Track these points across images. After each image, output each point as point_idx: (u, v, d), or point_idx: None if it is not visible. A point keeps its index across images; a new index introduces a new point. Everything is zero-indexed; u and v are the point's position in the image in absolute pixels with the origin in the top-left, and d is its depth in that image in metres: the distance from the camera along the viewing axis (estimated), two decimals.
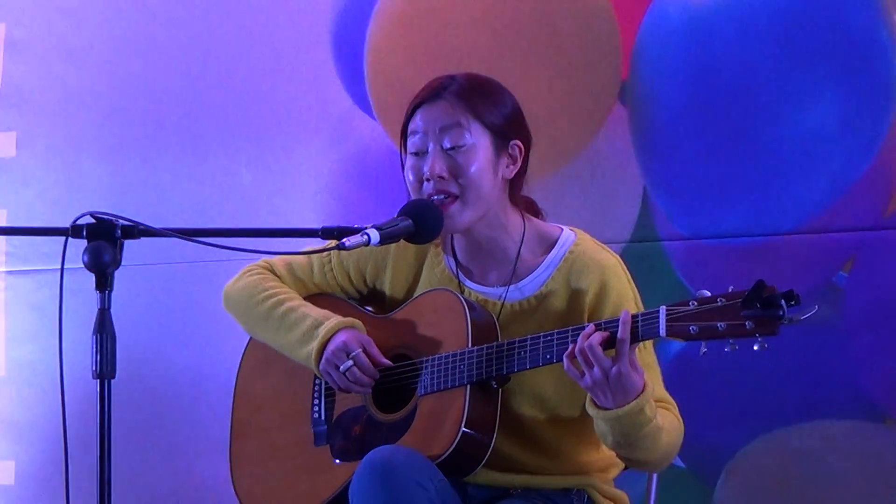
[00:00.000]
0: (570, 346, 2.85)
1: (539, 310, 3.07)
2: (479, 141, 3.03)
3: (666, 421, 2.96)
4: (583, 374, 2.85)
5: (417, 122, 3.06)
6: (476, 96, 3.05)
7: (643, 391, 2.86)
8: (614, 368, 2.81)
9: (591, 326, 2.85)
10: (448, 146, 3.02)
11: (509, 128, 3.07)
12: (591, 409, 2.91)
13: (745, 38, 4.12)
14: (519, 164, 3.09)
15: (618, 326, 2.82)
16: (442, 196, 3.02)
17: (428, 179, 3.02)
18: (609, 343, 2.83)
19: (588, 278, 3.05)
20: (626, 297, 3.05)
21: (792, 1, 4.08)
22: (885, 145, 3.98)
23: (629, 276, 3.10)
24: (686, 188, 4.22)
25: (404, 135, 3.10)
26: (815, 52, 4.05)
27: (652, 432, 2.91)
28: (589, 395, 2.90)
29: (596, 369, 2.82)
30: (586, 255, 3.08)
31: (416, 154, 3.06)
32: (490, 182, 3.04)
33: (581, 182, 4.29)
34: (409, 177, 3.07)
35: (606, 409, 2.87)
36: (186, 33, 4.94)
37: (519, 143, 3.08)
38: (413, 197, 3.06)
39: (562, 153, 4.22)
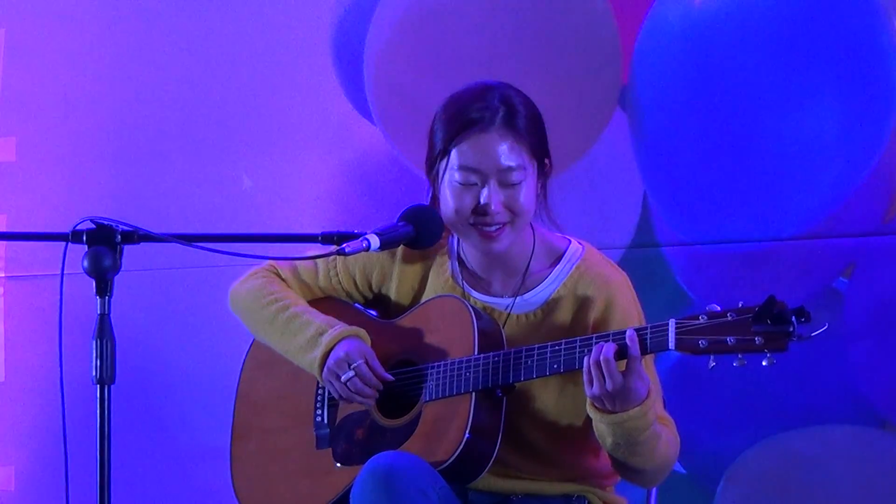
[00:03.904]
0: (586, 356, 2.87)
1: (545, 323, 3.07)
2: (530, 173, 3.03)
3: (664, 432, 2.98)
4: (591, 384, 2.85)
5: (474, 156, 3.00)
6: (523, 121, 3.02)
7: (646, 398, 2.87)
8: (625, 383, 2.83)
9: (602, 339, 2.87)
10: (510, 183, 3.00)
11: (545, 149, 3.08)
12: (591, 412, 2.92)
13: (746, 43, 4.13)
14: (547, 179, 3.10)
15: (625, 339, 2.83)
16: (493, 228, 3.01)
17: (484, 213, 3.00)
18: (619, 355, 2.85)
19: (594, 294, 3.05)
20: (630, 316, 3.06)
21: (792, 6, 4.09)
22: (886, 151, 3.98)
23: (635, 295, 3.11)
24: (686, 193, 4.22)
25: (446, 151, 3.02)
26: (815, 58, 4.05)
27: (651, 438, 2.92)
28: (590, 399, 2.91)
29: (608, 382, 2.83)
30: (593, 271, 3.08)
31: (464, 185, 3.02)
32: (534, 207, 3.06)
33: (581, 187, 4.29)
34: (453, 204, 3.02)
35: (608, 412, 2.89)
36: (187, 38, 4.94)
37: (548, 159, 3.09)
38: (455, 222, 3.03)
39: (562, 158, 4.19)
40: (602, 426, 2.92)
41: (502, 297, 3.12)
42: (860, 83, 4.01)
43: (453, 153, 3.02)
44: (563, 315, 3.06)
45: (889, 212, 4.00)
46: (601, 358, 2.84)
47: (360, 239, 2.83)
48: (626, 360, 2.86)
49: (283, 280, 3.27)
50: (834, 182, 4.03)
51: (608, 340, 2.87)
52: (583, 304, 3.06)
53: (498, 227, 3.01)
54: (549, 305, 3.08)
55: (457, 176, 3.02)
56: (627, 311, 3.06)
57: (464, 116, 3.03)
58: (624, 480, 3.14)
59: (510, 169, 3.00)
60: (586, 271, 3.08)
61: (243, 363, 3.34)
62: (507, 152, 3.00)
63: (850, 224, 4.02)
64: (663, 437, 2.97)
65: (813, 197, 4.06)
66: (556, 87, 4.32)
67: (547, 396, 3.04)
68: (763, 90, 4.11)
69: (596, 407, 2.90)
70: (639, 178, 4.28)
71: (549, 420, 3.06)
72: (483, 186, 3.00)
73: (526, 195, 3.02)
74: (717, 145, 4.17)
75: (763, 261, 4.10)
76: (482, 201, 3.00)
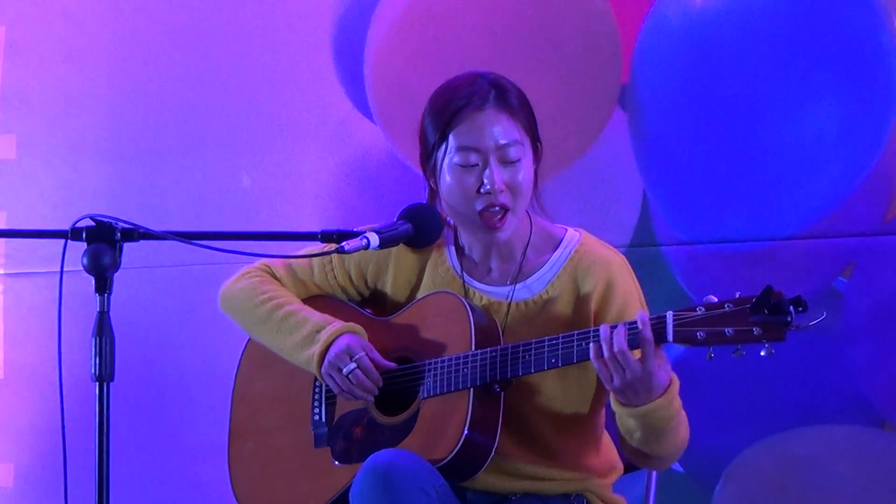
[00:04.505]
0: (595, 346, 2.85)
1: (545, 309, 3.08)
2: (527, 151, 3.06)
3: (683, 416, 2.98)
4: (611, 379, 2.85)
5: (472, 135, 3.03)
6: (515, 99, 3.06)
7: (670, 386, 2.87)
8: (643, 370, 2.82)
9: (606, 329, 2.84)
10: (510, 160, 3.03)
11: (536, 130, 3.10)
12: (617, 408, 2.91)
13: (746, 42, 4.13)
14: (540, 160, 3.12)
15: (637, 325, 2.82)
16: (497, 209, 3.03)
17: (488, 192, 3.02)
18: (631, 344, 2.84)
19: (594, 277, 3.06)
20: (631, 296, 3.07)
21: (792, 6, 4.09)
22: (886, 151, 3.98)
23: (633, 275, 3.12)
24: (686, 193, 4.22)
25: (443, 137, 3.05)
26: (815, 57, 4.05)
27: (676, 426, 2.93)
28: (614, 395, 2.90)
29: (627, 373, 2.83)
30: (591, 254, 3.09)
31: (467, 166, 3.04)
32: (532, 189, 3.07)
33: (581, 186, 4.29)
34: (457, 189, 3.04)
35: (634, 406, 2.88)
36: (186, 36, 4.94)
37: (540, 143, 3.11)
38: (459, 208, 3.05)
39: (562, 157, 4.22)
40: (631, 421, 2.91)
41: (501, 284, 3.13)
42: (860, 83, 4.01)
43: (451, 137, 3.04)
44: (564, 299, 3.07)
45: (889, 212, 4.00)
46: (615, 350, 2.82)
47: (360, 237, 2.83)
48: (639, 350, 2.84)
49: (276, 279, 3.27)
50: (833, 182, 4.03)
51: (601, 332, 2.86)
52: (583, 286, 3.07)
53: (501, 210, 3.03)
54: (549, 291, 3.09)
55: (457, 158, 3.04)
56: (628, 292, 3.07)
57: (457, 101, 3.06)
58: (638, 465, 3.14)
59: (508, 145, 3.03)
60: (585, 255, 3.09)
61: (239, 363, 3.34)
62: (503, 129, 3.03)
63: (849, 224, 4.02)
64: (684, 422, 2.98)
65: (812, 197, 4.06)
66: (556, 86, 4.32)
67: (548, 383, 3.04)
68: (763, 90, 4.11)
69: (621, 402, 2.89)
70: (638, 178, 4.28)
71: (551, 407, 3.06)
72: (484, 167, 3.02)
73: (525, 174, 3.05)
74: (716, 145, 4.17)
75: (763, 260, 4.10)
76: (485, 180, 3.01)
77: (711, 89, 4.18)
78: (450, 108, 3.05)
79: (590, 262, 3.08)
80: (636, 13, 4.25)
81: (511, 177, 3.03)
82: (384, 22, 4.63)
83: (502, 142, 3.03)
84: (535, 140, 3.09)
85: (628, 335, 2.82)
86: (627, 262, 3.13)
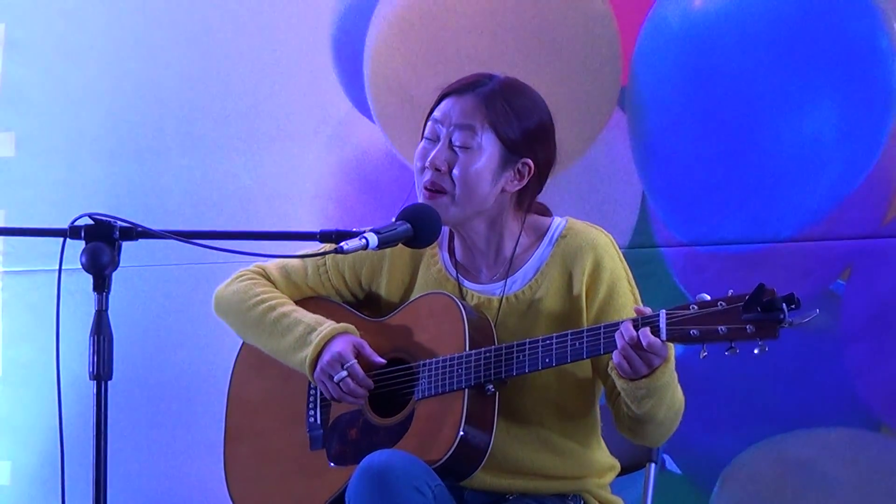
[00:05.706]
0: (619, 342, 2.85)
1: (537, 297, 3.08)
2: (486, 148, 3.05)
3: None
4: (632, 368, 2.85)
5: (440, 110, 3.09)
6: (503, 104, 3.06)
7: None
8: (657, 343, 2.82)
9: (630, 329, 2.84)
10: (456, 143, 3.05)
11: (525, 144, 3.08)
12: (625, 384, 2.90)
13: (745, 45, 4.13)
14: (525, 181, 3.09)
15: (658, 320, 2.82)
16: (429, 182, 3.06)
17: (428, 168, 3.04)
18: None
19: (582, 258, 3.07)
20: (619, 276, 3.08)
21: (792, 8, 4.09)
22: (884, 153, 3.98)
23: (621, 255, 3.13)
24: (685, 195, 4.22)
25: (427, 118, 3.12)
26: (814, 60, 4.06)
27: (676, 385, 2.96)
28: (622, 382, 2.90)
29: (656, 359, 2.84)
30: (579, 237, 3.10)
31: (429, 139, 3.09)
32: (486, 189, 3.05)
33: (580, 187, 4.29)
34: (416, 160, 3.10)
35: (644, 378, 2.87)
36: (186, 34, 4.94)
37: (530, 162, 3.08)
38: (415, 179, 3.08)
39: (561, 158, 4.22)
40: (642, 391, 2.90)
41: (492, 281, 3.13)
42: (859, 85, 4.01)
43: (432, 113, 3.10)
44: (555, 286, 3.08)
45: (887, 214, 4.00)
46: (644, 344, 2.81)
47: (359, 237, 2.83)
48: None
49: (270, 281, 3.27)
50: (832, 184, 4.03)
51: (598, 332, 2.88)
52: (572, 270, 3.07)
53: (434, 188, 3.04)
54: (539, 280, 3.09)
55: (425, 130, 3.10)
56: (615, 272, 3.08)
57: (453, 84, 3.11)
58: (636, 443, 3.14)
59: (461, 126, 3.05)
60: (572, 239, 3.10)
61: (233, 366, 3.33)
62: (466, 112, 3.05)
63: (847, 226, 4.02)
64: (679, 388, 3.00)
65: (811, 199, 4.06)
66: (556, 87, 4.31)
67: (548, 375, 3.03)
68: (762, 92, 4.11)
69: (631, 379, 2.89)
70: (637, 179, 4.28)
71: (551, 399, 3.07)
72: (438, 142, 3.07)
73: (475, 169, 3.04)
74: (715, 147, 4.17)
75: (761, 263, 4.10)
76: (429, 155, 3.05)
77: (710, 91, 4.18)
78: (445, 88, 3.12)
79: (577, 244, 3.09)
80: (636, 15, 4.26)
81: (454, 160, 3.05)
82: (383, 21, 4.63)
83: (456, 121, 3.05)
84: (516, 152, 3.07)
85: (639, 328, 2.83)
86: (615, 243, 3.14)
